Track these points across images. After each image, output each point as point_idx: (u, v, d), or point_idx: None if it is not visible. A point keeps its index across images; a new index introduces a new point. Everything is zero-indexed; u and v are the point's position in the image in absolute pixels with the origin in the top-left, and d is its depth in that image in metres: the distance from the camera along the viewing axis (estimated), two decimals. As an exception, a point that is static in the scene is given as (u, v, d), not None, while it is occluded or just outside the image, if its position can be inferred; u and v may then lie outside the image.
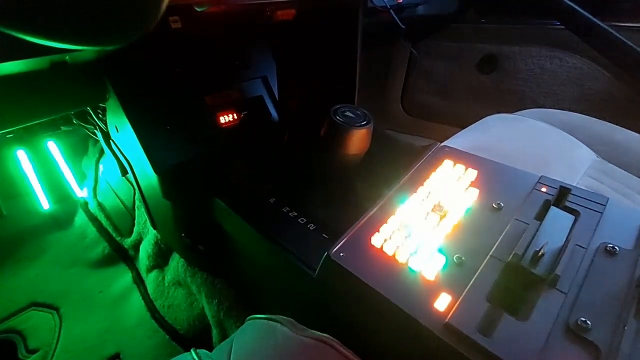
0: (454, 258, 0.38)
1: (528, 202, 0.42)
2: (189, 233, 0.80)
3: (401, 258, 0.39)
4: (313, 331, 0.42)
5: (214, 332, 0.78)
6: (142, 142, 0.74)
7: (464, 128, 0.81)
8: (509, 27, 1.29)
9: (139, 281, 1.01)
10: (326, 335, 0.42)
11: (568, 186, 0.43)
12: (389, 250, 0.40)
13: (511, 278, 0.33)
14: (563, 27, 1.04)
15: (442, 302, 0.33)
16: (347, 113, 0.55)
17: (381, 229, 0.42)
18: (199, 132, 0.80)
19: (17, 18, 0.18)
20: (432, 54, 1.48)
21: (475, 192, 0.45)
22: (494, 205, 0.43)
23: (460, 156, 0.51)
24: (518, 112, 0.91)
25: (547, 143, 0.75)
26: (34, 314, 0.95)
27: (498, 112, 0.90)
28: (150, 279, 0.99)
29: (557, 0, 1.00)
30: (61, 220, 1.21)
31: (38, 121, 0.78)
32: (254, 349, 0.45)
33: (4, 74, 0.60)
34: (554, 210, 0.38)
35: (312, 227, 0.57)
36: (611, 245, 0.35)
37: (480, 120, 0.85)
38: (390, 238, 0.41)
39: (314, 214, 0.59)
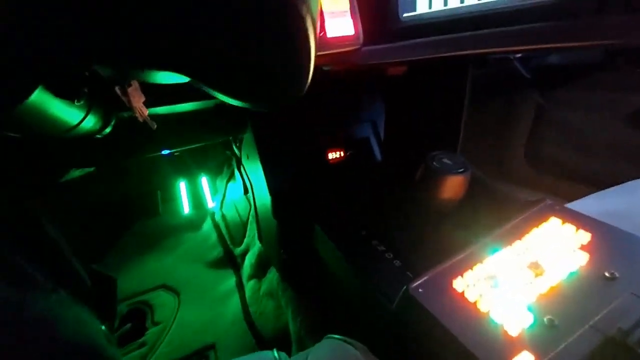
0: (545, 319, 0.35)
1: (653, 277, 0.36)
2: (287, 251, 0.91)
3: (483, 307, 0.38)
4: None
5: (293, 348, 0.83)
6: (264, 168, 0.90)
7: (599, 189, 0.71)
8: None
9: (240, 286, 1.16)
10: None
11: None
12: (470, 296, 0.39)
13: (610, 354, 0.29)
14: None
15: (523, 361, 0.32)
16: (445, 160, 0.57)
17: (465, 275, 0.42)
18: (310, 165, 0.93)
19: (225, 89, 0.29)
20: (566, 103, 1.33)
21: (584, 257, 0.41)
22: (607, 274, 0.38)
23: (571, 216, 0.47)
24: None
25: None
26: (162, 293, 1.19)
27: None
28: (249, 286, 1.13)
29: None
30: (195, 223, 1.50)
31: (199, 145, 1.04)
32: (326, 364, 0.49)
33: (185, 111, 0.85)
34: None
35: (397, 263, 0.59)
36: None
37: (625, 183, 0.74)
38: (474, 285, 0.40)
39: (401, 252, 0.61)
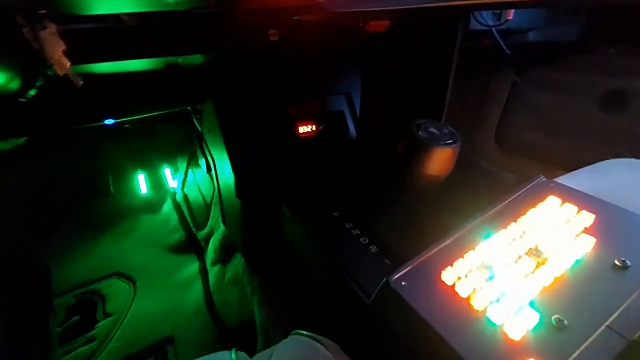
0: (552, 319, 0.29)
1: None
2: (252, 234, 0.82)
3: (478, 304, 0.31)
4: None
5: (259, 340, 0.76)
6: (226, 143, 0.79)
7: (571, 171, 0.68)
8: (644, 59, 1.08)
9: (203, 272, 1.07)
10: None
11: None
12: (462, 291, 0.33)
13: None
14: None
15: (530, 373, 0.25)
16: (432, 129, 0.49)
17: (455, 264, 0.35)
18: (278, 139, 0.83)
19: None
20: (541, 85, 1.31)
21: (589, 241, 0.35)
22: (617, 263, 0.32)
23: (571, 195, 0.41)
24: (651, 158, 0.73)
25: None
26: (116, 282, 1.07)
27: (622, 157, 0.73)
28: (212, 273, 1.03)
29: None
30: (153, 205, 1.37)
31: (151, 114, 0.91)
32: (293, 365, 0.42)
33: (128, 71, 0.71)
34: None
35: (373, 249, 0.52)
36: None
37: (598, 163, 0.70)
38: (465, 277, 0.34)
39: (378, 236, 0.54)
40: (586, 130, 1.21)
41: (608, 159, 0.74)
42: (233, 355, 0.46)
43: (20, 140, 0.84)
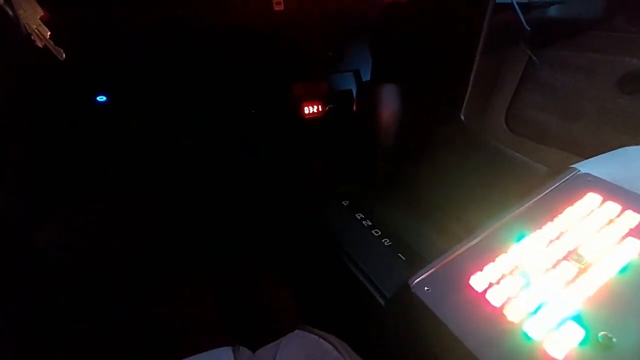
0: (599, 336, 0.26)
1: None
2: (255, 219, 0.79)
3: (513, 316, 0.28)
4: None
5: (265, 325, 0.74)
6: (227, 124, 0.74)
7: (584, 158, 0.63)
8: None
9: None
10: None
11: None
12: (494, 299, 0.29)
13: None
14: None
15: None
16: None
17: (486, 269, 0.32)
18: (281, 119, 0.78)
19: None
20: (557, 64, 1.23)
21: (636, 245, 0.31)
22: (671, 272, 0.29)
23: (613, 191, 0.37)
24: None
25: None
26: None
27: (640, 144, 0.68)
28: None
29: None
30: None
31: None
32: (299, 367, 0.39)
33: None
34: None
35: (386, 242, 0.48)
36: None
37: (615, 151, 0.66)
38: (498, 283, 0.30)
39: (390, 227, 0.50)
40: (604, 114, 1.15)
41: (627, 145, 0.69)
42: (232, 354, 0.43)
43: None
